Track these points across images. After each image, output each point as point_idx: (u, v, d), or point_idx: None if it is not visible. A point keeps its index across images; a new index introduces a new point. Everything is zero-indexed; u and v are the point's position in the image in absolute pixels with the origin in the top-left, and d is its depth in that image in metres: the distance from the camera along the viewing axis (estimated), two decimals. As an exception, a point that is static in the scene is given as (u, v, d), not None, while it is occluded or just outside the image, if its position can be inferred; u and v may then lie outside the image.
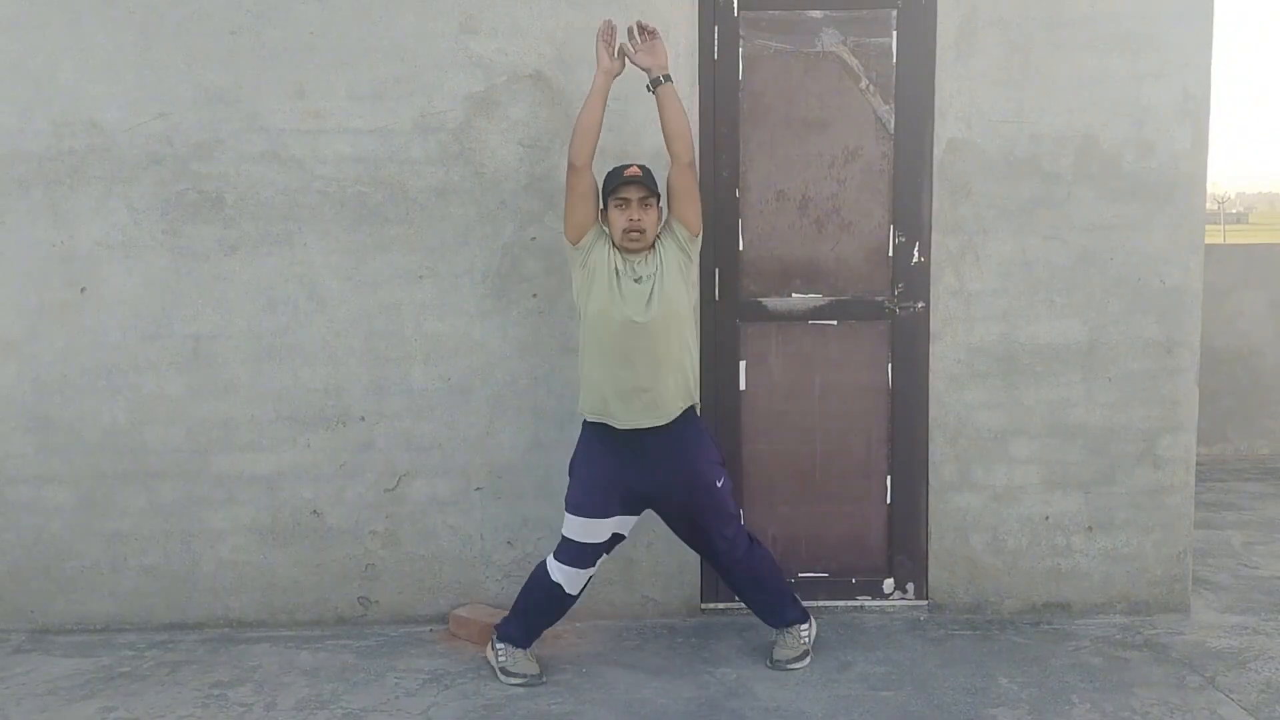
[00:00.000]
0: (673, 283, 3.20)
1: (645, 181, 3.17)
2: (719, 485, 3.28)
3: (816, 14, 3.72)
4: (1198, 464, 3.91)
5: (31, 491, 3.77)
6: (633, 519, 3.32)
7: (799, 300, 3.82)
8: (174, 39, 3.63)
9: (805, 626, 3.45)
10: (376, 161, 3.68)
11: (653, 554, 3.81)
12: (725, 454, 3.68)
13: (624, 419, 3.18)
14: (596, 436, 3.26)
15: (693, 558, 3.63)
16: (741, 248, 3.80)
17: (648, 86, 3.26)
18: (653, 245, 3.25)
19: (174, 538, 3.79)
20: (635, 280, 3.18)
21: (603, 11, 3.62)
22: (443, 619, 3.82)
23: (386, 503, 3.80)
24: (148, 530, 3.78)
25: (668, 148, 3.27)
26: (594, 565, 3.30)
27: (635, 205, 3.17)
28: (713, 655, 3.52)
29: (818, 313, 3.82)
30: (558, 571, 3.27)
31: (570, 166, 3.21)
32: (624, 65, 3.26)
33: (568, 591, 3.30)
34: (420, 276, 3.72)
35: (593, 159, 3.21)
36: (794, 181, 3.78)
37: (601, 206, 3.26)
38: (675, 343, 3.21)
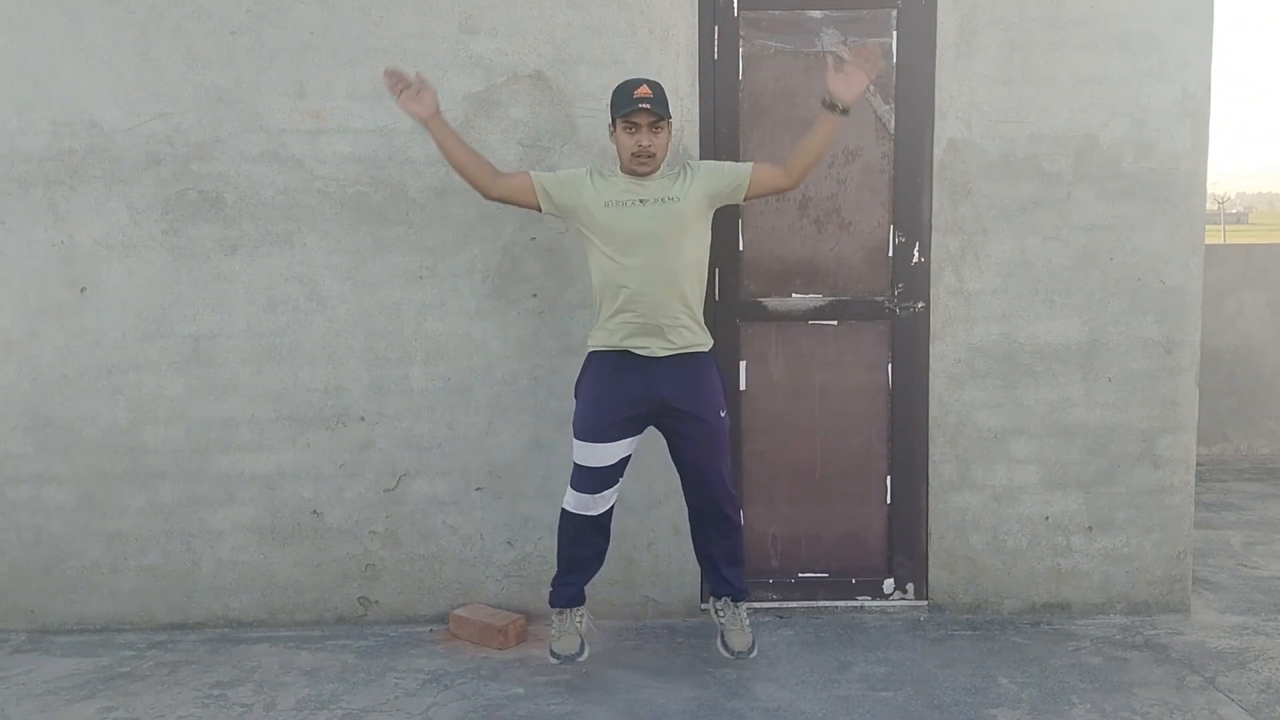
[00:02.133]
0: (693, 212, 3.16)
1: (656, 107, 3.08)
2: (722, 415, 3.26)
3: (816, 14, 3.72)
4: (1198, 464, 3.92)
5: (31, 491, 3.77)
6: (637, 439, 3.27)
7: (799, 300, 3.82)
8: (174, 39, 3.63)
9: (744, 608, 3.44)
10: (376, 161, 3.68)
11: (653, 554, 3.81)
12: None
13: (634, 343, 3.16)
14: (602, 359, 3.24)
15: (693, 558, 3.63)
16: (741, 248, 3.80)
17: (839, 109, 3.14)
18: (678, 174, 3.21)
19: (174, 538, 3.79)
20: (641, 202, 3.15)
21: (602, 12, 3.63)
22: (443, 619, 3.82)
23: (386, 503, 3.80)
24: (148, 530, 3.78)
25: (793, 166, 3.20)
26: (610, 488, 3.25)
27: (645, 130, 3.10)
28: (713, 655, 3.52)
29: (818, 313, 3.82)
30: (571, 497, 3.26)
31: (492, 200, 3.27)
32: (431, 106, 3.15)
33: (592, 515, 3.27)
34: (420, 276, 3.72)
35: (494, 175, 3.22)
36: (794, 181, 3.78)
37: (610, 124, 3.21)
38: (689, 275, 3.18)
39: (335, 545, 3.81)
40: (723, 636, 3.39)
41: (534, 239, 3.70)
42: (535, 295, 3.72)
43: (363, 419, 3.76)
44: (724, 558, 3.39)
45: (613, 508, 3.33)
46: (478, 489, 3.81)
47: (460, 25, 3.64)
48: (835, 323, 3.83)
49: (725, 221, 3.75)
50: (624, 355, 3.20)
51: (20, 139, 3.65)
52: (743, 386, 3.84)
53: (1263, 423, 6.50)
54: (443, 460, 3.79)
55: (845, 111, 3.15)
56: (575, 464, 3.26)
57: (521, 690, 3.28)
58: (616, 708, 3.15)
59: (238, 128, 3.66)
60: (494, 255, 3.72)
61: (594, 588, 3.68)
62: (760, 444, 3.87)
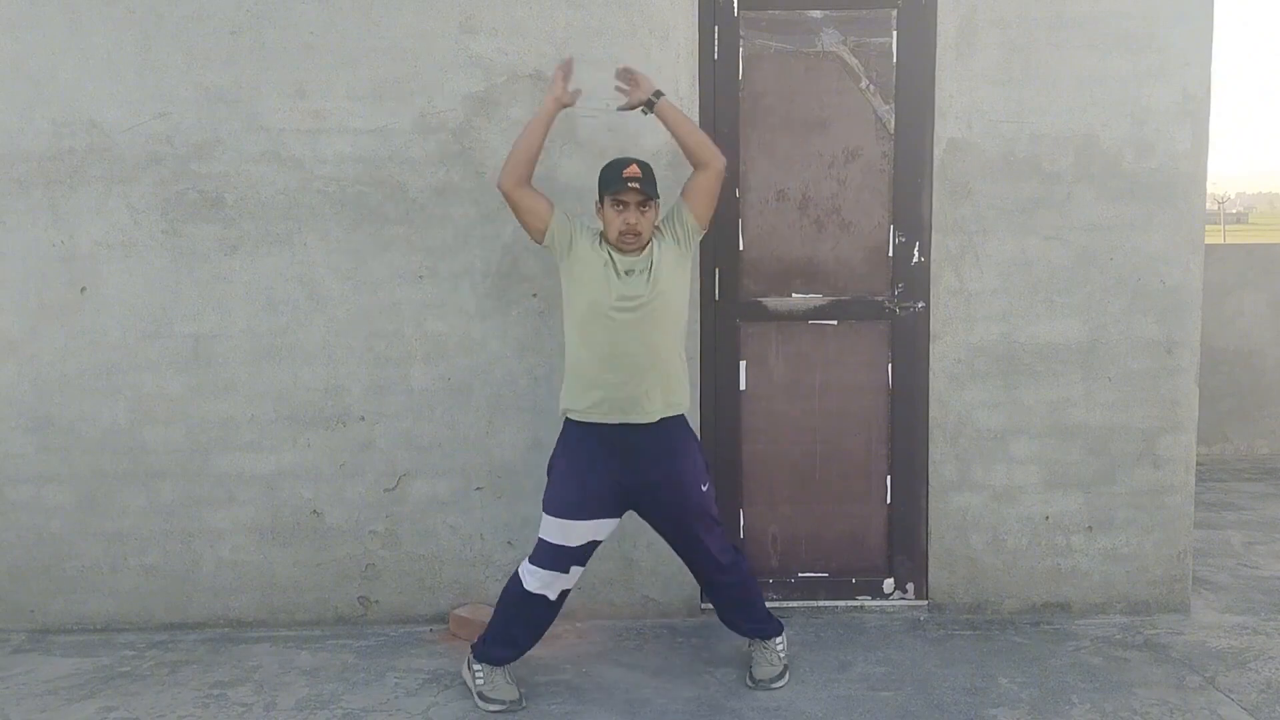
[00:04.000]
0: (668, 277, 3.09)
1: (644, 187, 3.04)
2: (704, 489, 3.17)
3: (816, 14, 3.72)
4: (1198, 464, 3.92)
5: (31, 491, 3.77)
6: (613, 522, 3.14)
7: (799, 300, 3.82)
8: (174, 39, 3.63)
9: (780, 640, 3.35)
10: (376, 161, 3.68)
11: (653, 554, 3.81)
12: (723, 455, 3.68)
13: (612, 415, 3.07)
14: (578, 434, 3.13)
15: (693, 558, 3.63)
16: (741, 248, 3.80)
17: (643, 110, 3.19)
18: (652, 265, 3.12)
19: (174, 537, 3.79)
20: (628, 272, 3.07)
21: (602, 12, 3.63)
22: (443, 619, 3.82)
23: (386, 502, 3.80)
24: (147, 530, 3.78)
25: (693, 160, 3.18)
26: (568, 572, 3.10)
27: (633, 209, 3.05)
28: (713, 655, 3.52)
29: (818, 313, 3.82)
30: (530, 576, 3.10)
31: (501, 191, 3.15)
32: (576, 99, 3.19)
33: (547, 597, 3.12)
34: (420, 276, 3.72)
35: (527, 182, 3.14)
36: (794, 181, 3.78)
37: (598, 200, 3.16)
38: (669, 338, 3.11)
39: (335, 545, 3.80)
40: (750, 668, 3.33)
41: (534, 239, 3.70)
42: (535, 295, 3.72)
43: (363, 419, 3.76)
44: (733, 607, 3.31)
45: (556, 612, 3.19)
46: (478, 489, 3.81)
47: (460, 25, 3.64)
48: (835, 322, 3.83)
49: (725, 221, 3.75)
50: (603, 431, 3.09)
51: (20, 139, 3.65)
52: (743, 386, 3.84)
53: (1263, 422, 6.50)
54: (443, 460, 3.79)
55: (660, 94, 3.17)
56: (542, 540, 3.11)
57: (521, 690, 3.27)
58: (616, 708, 3.15)
59: (238, 128, 3.65)
60: (494, 255, 3.72)
61: (594, 588, 3.69)
62: (760, 444, 3.87)
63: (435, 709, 3.17)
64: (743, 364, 3.83)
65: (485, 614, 3.70)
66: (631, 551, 3.80)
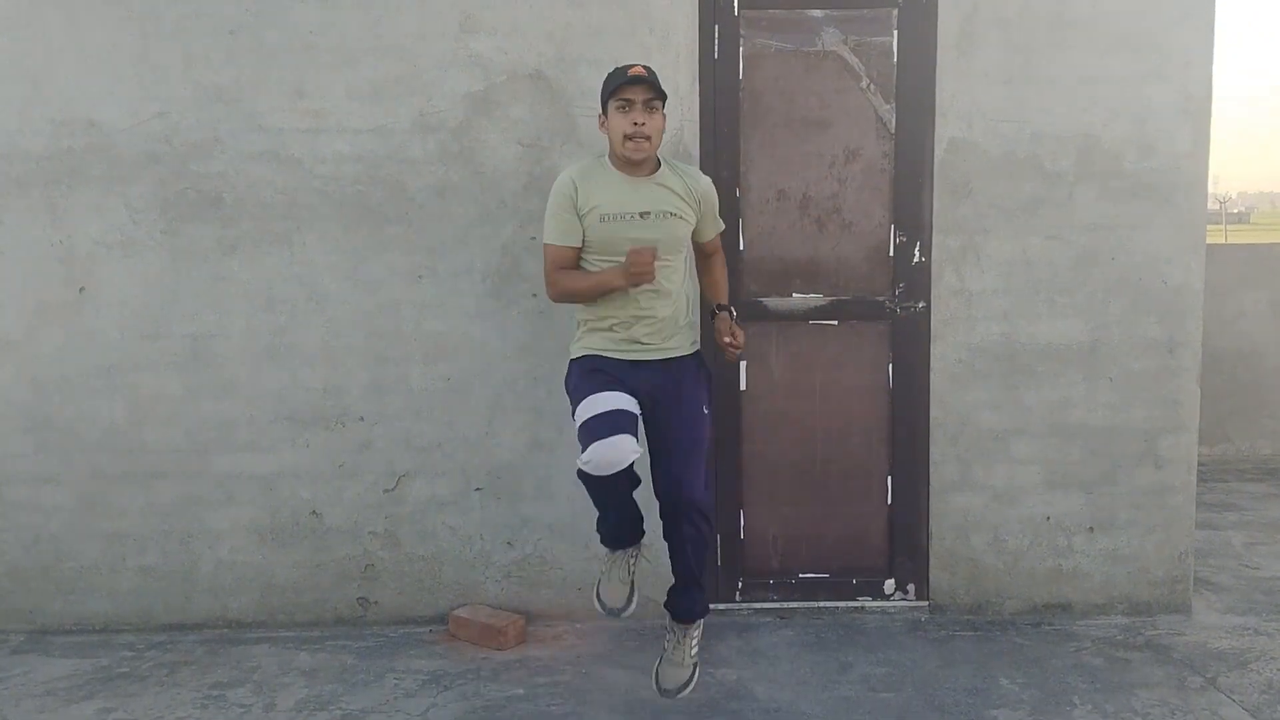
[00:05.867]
0: (688, 227, 3.02)
1: (651, 81, 2.87)
2: (704, 410, 3.01)
3: (817, 13, 3.71)
4: (1199, 464, 3.91)
5: (30, 491, 3.76)
6: (635, 404, 2.93)
7: (799, 300, 3.81)
8: (173, 38, 3.62)
9: (698, 630, 3.09)
10: (376, 161, 3.67)
11: (652, 554, 3.79)
12: (723, 455, 3.66)
13: (627, 351, 2.97)
14: (591, 360, 3.00)
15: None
16: (742, 248, 3.79)
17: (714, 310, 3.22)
18: (677, 178, 3.01)
19: (173, 538, 3.79)
20: (641, 215, 2.93)
21: (602, 11, 3.62)
22: (442, 619, 3.81)
23: (386, 503, 3.79)
24: (146, 530, 3.78)
25: (703, 262, 3.26)
26: (626, 433, 2.79)
27: (640, 107, 2.87)
28: (713, 656, 3.51)
29: (818, 313, 3.81)
30: (592, 457, 2.77)
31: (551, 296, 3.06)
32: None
33: (610, 475, 2.80)
34: (420, 276, 3.71)
35: (572, 274, 3.01)
36: (794, 181, 3.77)
37: (600, 113, 2.97)
38: (680, 273, 3.03)
39: (334, 546, 3.80)
40: (656, 675, 3.06)
41: (533, 238, 3.69)
42: (535, 295, 3.71)
43: (362, 419, 3.76)
44: (683, 559, 2.98)
45: (635, 480, 2.93)
46: (477, 489, 3.80)
47: (460, 25, 3.63)
48: (836, 323, 3.82)
49: (725, 221, 3.73)
50: (614, 360, 2.99)
51: (19, 138, 3.64)
52: (743, 386, 3.83)
53: (1264, 423, 6.49)
54: (442, 460, 3.78)
55: (723, 309, 3.20)
56: (583, 424, 2.84)
57: (521, 691, 3.27)
58: (616, 708, 3.15)
59: (237, 127, 3.65)
60: (493, 255, 3.71)
61: (593, 588, 3.67)
62: (761, 444, 3.86)
63: (435, 710, 3.16)
64: (743, 364, 3.82)
65: (485, 614, 3.71)
66: (631, 552, 3.79)
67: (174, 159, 3.66)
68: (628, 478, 2.89)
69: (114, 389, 3.73)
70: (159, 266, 3.69)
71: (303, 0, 3.61)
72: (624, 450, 2.77)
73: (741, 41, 3.71)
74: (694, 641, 3.09)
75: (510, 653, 3.58)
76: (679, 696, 3.05)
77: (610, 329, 3.00)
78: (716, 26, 3.70)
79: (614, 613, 3.10)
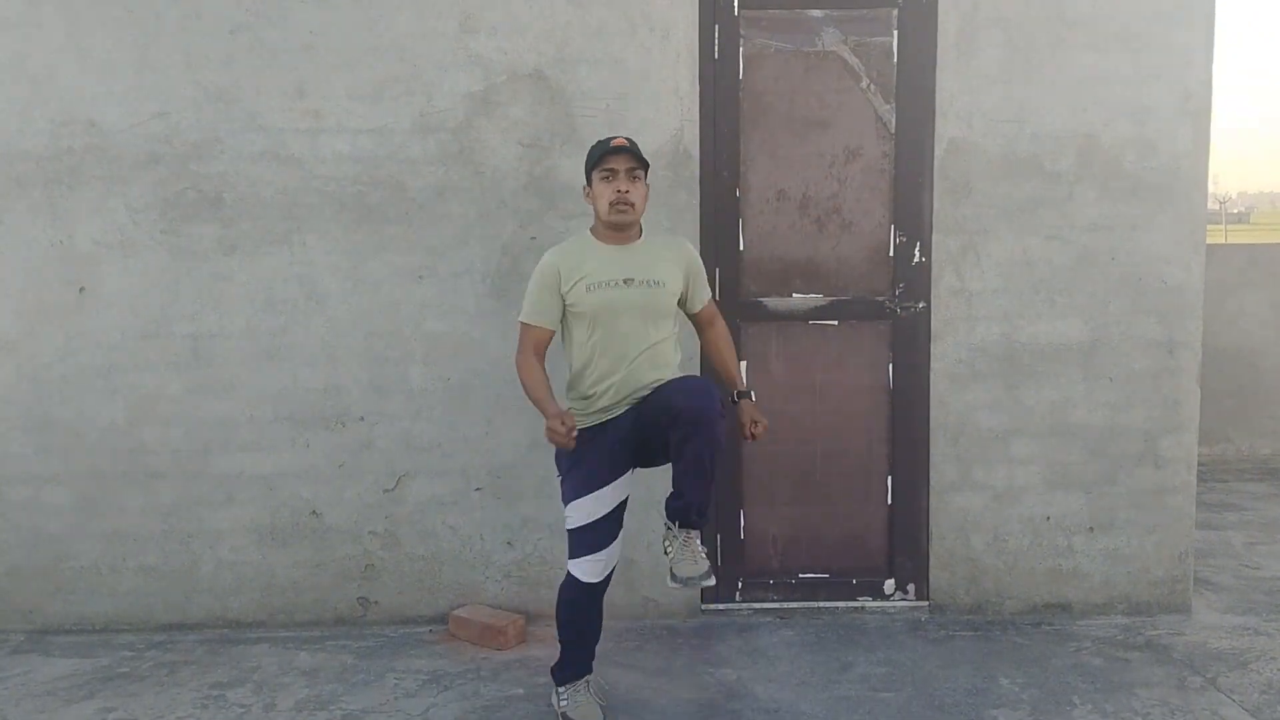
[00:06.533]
0: (674, 296, 3.01)
1: (633, 151, 2.92)
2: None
3: (817, 13, 3.71)
4: (1199, 464, 3.91)
5: (30, 491, 3.76)
6: (629, 475, 2.98)
7: (799, 300, 3.81)
8: (173, 38, 3.62)
9: (698, 539, 2.91)
10: (376, 161, 3.67)
11: (653, 554, 3.80)
12: (726, 448, 3.64)
13: (616, 411, 2.97)
14: (584, 434, 2.95)
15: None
16: (742, 248, 3.79)
17: (735, 396, 3.17)
18: (662, 248, 3.05)
19: (173, 538, 3.79)
20: (625, 282, 2.94)
21: (602, 11, 3.62)
22: (442, 619, 3.81)
23: (386, 503, 3.79)
24: (146, 530, 3.78)
25: (702, 331, 3.23)
26: (616, 540, 2.95)
27: (623, 176, 2.92)
28: (713, 656, 3.51)
29: (818, 313, 3.81)
30: (583, 568, 2.94)
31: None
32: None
33: (594, 583, 2.95)
34: (420, 276, 3.71)
35: (539, 365, 2.99)
36: (794, 181, 3.77)
37: (585, 185, 3.00)
38: (671, 341, 3.02)
39: (335, 545, 3.80)
40: (671, 569, 2.88)
41: (534, 238, 3.69)
42: (535, 295, 3.71)
43: (362, 419, 3.76)
44: (691, 468, 2.81)
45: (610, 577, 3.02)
46: (477, 489, 3.80)
47: (460, 24, 3.63)
48: (836, 323, 3.82)
49: (726, 221, 3.75)
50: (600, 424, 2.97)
51: (19, 138, 3.64)
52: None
53: (1264, 423, 6.49)
54: (443, 460, 3.78)
55: (743, 395, 3.18)
56: (575, 531, 2.94)
57: (521, 691, 3.27)
58: (616, 708, 3.15)
59: (237, 127, 3.65)
60: (494, 255, 3.71)
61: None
62: (760, 444, 3.82)
63: (435, 710, 3.16)
64: (743, 364, 3.81)
65: (485, 614, 3.71)
66: (631, 552, 3.79)
67: (174, 159, 3.66)
68: (606, 580, 3.00)
69: (114, 389, 3.73)
70: (159, 266, 3.69)
71: (303, 0, 3.61)
72: (613, 561, 2.97)
73: (741, 41, 3.71)
74: (697, 542, 2.90)
75: (510, 653, 3.58)
76: (700, 585, 2.86)
77: (603, 409, 2.97)
78: (717, 26, 3.70)
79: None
